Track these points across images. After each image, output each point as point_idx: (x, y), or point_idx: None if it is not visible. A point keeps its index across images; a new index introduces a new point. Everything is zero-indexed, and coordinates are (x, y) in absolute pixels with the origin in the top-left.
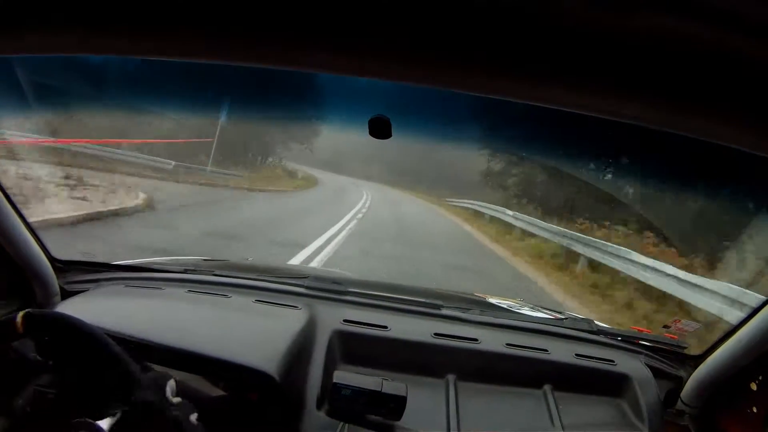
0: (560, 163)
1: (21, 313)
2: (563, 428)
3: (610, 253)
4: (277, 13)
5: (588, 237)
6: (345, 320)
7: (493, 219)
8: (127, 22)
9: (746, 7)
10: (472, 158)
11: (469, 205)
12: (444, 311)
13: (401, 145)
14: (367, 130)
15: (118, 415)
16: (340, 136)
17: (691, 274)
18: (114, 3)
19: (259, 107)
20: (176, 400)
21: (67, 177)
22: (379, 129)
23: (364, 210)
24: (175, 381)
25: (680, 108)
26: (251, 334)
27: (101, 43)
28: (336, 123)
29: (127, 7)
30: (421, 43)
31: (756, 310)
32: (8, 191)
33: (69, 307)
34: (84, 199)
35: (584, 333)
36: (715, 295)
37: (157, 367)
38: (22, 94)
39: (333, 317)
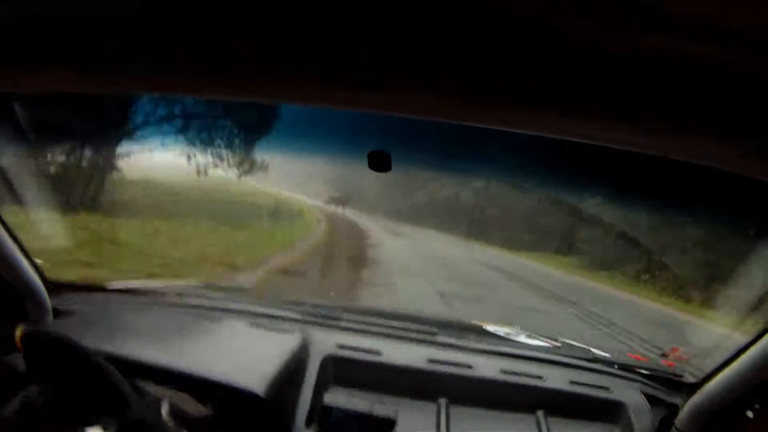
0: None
1: (19, 330)
2: None
3: None
4: (277, 50)
5: None
6: (338, 345)
7: None
8: (122, 60)
9: (753, 29)
10: None
11: None
12: (439, 338)
13: None
14: (366, 163)
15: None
16: None
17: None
18: (113, 42)
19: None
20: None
21: None
22: (379, 162)
23: None
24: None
25: (683, 133)
26: (242, 355)
27: (97, 80)
28: (333, 155)
29: (124, 46)
30: (419, 75)
31: (754, 340)
32: (1, 212)
33: (60, 327)
34: None
35: (580, 360)
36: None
37: (151, 387)
38: None
39: (327, 342)
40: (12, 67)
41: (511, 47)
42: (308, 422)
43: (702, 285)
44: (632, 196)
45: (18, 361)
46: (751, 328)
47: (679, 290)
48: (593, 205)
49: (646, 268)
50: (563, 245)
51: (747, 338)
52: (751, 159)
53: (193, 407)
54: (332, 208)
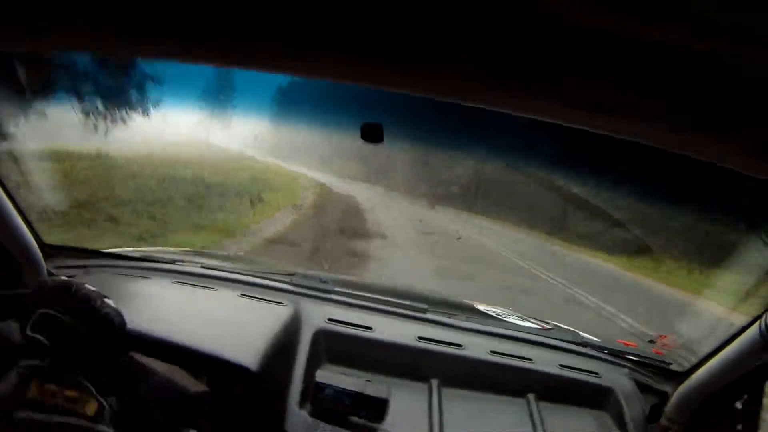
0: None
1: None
2: None
3: None
4: (278, 17)
5: None
6: (330, 319)
7: None
8: (126, 22)
9: (749, 22)
10: None
11: None
12: (429, 315)
13: None
14: (360, 134)
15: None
16: None
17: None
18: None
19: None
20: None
21: None
22: (372, 134)
23: None
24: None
25: (678, 127)
26: (235, 328)
27: (99, 41)
28: (327, 127)
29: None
30: (418, 52)
31: (742, 329)
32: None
33: None
34: None
35: (570, 344)
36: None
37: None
38: None
39: (318, 315)
40: (14, 27)
41: (507, 34)
42: (302, 401)
43: (689, 274)
44: (627, 182)
45: (12, 329)
46: (738, 318)
47: (667, 277)
48: (590, 188)
49: (638, 252)
50: (556, 225)
51: (734, 328)
52: (739, 155)
53: (187, 381)
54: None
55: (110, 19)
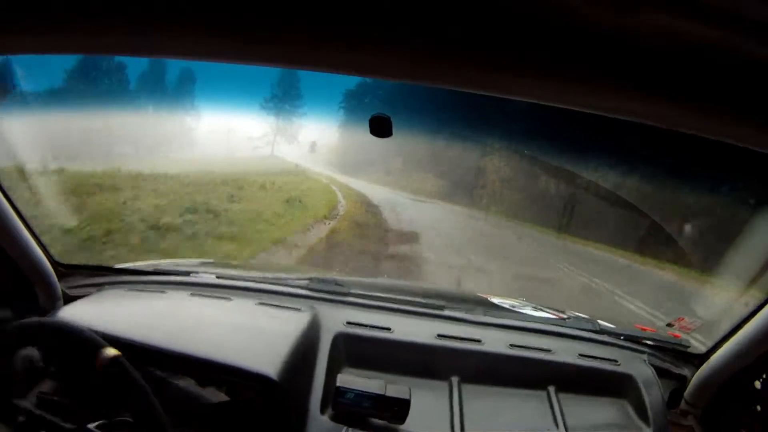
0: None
1: (14, 325)
2: (567, 430)
3: None
4: (283, 13)
5: None
6: (348, 322)
7: None
8: (129, 21)
9: (747, 6)
10: None
11: None
12: (447, 312)
13: None
14: (368, 128)
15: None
16: None
17: None
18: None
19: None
20: None
21: None
22: (380, 127)
23: None
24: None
25: (680, 105)
26: (254, 337)
27: (103, 43)
28: (336, 121)
29: (129, 6)
30: (423, 41)
31: (759, 308)
32: (11, 195)
33: (71, 312)
34: None
35: (587, 333)
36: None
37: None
38: None
39: (336, 319)
40: (16, 29)
41: (515, 21)
42: (323, 406)
43: (703, 254)
44: (637, 163)
45: (34, 355)
46: (754, 297)
47: (681, 258)
48: (596, 173)
49: (648, 237)
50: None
51: (750, 308)
52: (747, 133)
53: (208, 393)
54: None
55: (116, 17)
